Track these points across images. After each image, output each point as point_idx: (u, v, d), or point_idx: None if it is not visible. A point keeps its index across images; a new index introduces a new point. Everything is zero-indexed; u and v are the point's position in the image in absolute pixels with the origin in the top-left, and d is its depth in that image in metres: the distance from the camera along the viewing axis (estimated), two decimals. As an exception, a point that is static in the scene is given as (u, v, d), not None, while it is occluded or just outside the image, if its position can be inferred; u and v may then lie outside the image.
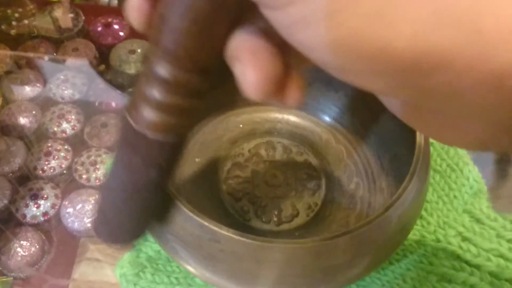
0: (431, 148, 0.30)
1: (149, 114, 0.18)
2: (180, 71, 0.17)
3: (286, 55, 0.17)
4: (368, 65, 0.13)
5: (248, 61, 0.17)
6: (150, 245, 0.31)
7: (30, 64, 0.62)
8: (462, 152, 0.33)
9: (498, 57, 0.12)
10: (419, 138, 0.25)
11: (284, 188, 0.33)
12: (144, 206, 0.20)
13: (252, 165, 0.33)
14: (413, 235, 0.31)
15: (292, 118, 0.35)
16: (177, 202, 0.23)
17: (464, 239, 0.30)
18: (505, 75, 0.12)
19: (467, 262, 0.29)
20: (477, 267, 0.29)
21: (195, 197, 0.32)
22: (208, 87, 0.18)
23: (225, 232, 0.22)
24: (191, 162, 0.33)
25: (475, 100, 0.13)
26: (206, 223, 0.22)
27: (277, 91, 0.17)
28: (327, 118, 0.35)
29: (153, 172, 0.18)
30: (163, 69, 0.17)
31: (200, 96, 0.18)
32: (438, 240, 0.30)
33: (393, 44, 0.13)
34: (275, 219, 0.31)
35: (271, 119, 0.35)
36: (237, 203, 0.32)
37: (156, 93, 0.17)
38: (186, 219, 0.23)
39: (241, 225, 0.31)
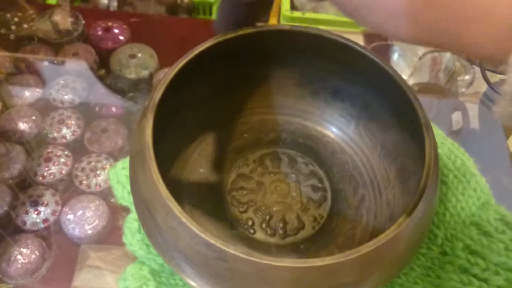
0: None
1: None
2: None
3: None
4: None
5: None
6: (153, 258, 0.30)
7: (30, 68, 0.62)
8: (469, 163, 0.33)
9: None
10: (429, 152, 0.25)
11: (289, 200, 0.32)
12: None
13: (257, 176, 0.33)
14: (420, 247, 0.30)
15: (297, 128, 0.35)
16: (183, 219, 0.23)
17: (472, 252, 0.30)
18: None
19: (475, 276, 0.29)
20: (486, 281, 0.29)
21: (200, 209, 0.31)
22: None
23: (232, 251, 0.22)
24: (196, 173, 0.32)
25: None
26: (212, 242, 0.22)
27: None
28: (332, 128, 0.34)
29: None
30: None
31: None
32: (446, 253, 0.30)
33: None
34: (281, 232, 0.31)
35: (276, 129, 0.35)
36: (242, 215, 0.32)
37: None
38: (192, 236, 0.23)
39: (246, 238, 0.31)
